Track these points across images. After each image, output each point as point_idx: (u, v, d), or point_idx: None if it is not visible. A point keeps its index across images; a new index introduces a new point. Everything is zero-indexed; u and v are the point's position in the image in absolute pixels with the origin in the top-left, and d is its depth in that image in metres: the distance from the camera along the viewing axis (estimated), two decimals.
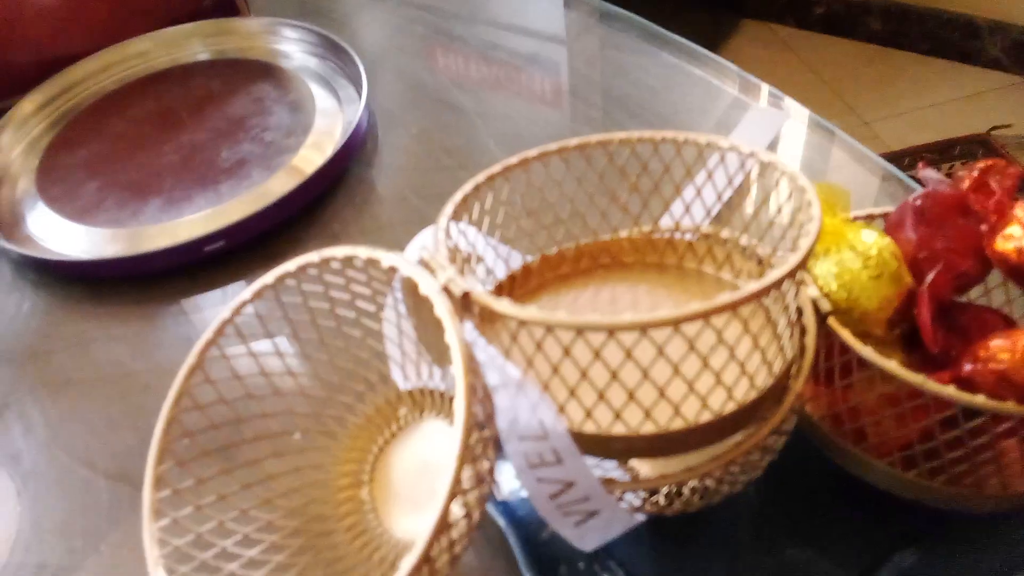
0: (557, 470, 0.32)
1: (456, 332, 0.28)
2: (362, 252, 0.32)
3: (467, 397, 0.27)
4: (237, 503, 0.35)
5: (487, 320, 0.33)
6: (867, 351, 0.34)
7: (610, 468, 0.40)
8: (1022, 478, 0.35)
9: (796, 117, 0.64)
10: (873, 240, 0.36)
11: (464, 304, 0.30)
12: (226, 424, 0.35)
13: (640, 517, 0.35)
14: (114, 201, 0.61)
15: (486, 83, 0.71)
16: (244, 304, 0.34)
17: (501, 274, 0.40)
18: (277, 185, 0.59)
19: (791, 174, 0.33)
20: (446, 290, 0.30)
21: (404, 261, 0.31)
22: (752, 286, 0.27)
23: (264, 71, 0.70)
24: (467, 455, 0.26)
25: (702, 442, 0.32)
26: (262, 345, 0.36)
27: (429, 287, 0.29)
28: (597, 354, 0.29)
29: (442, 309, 0.29)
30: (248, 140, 0.63)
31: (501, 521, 0.40)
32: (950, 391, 0.32)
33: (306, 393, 0.37)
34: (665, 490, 0.34)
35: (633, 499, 0.34)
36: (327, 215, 0.61)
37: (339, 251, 0.32)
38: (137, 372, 0.52)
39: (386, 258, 0.31)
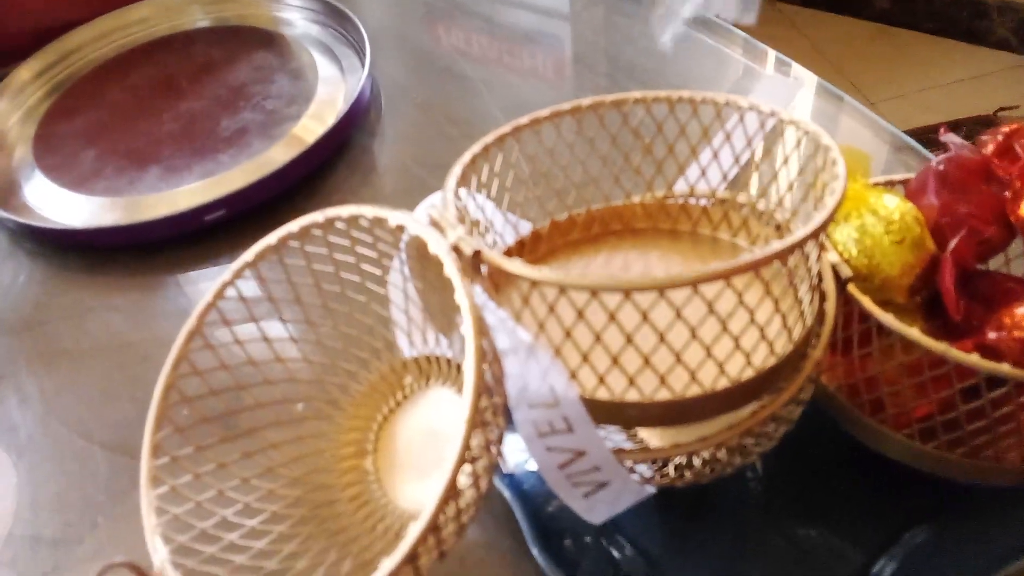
0: (567, 439, 0.31)
1: (466, 292, 0.27)
2: (368, 211, 0.31)
3: (477, 359, 0.26)
4: (238, 472, 0.34)
5: (498, 283, 0.32)
6: (888, 318, 0.33)
7: (620, 440, 0.39)
8: None
9: (807, 84, 0.62)
10: (895, 205, 0.35)
11: (474, 264, 0.29)
12: (226, 391, 0.34)
13: (650, 489, 0.34)
14: (112, 170, 0.59)
15: (491, 52, 0.70)
16: (246, 266, 0.33)
17: (510, 240, 0.39)
18: (278, 154, 0.58)
19: (814, 132, 0.32)
20: (456, 249, 0.29)
21: (412, 220, 0.30)
22: (775, 244, 0.26)
23: (265, 39, 0.68)
24: (476, 420, 0.25)
25: (718, 410, 0.31)
26: (264, 310, 0.35)
27: (439, 246, 0.28)
28: (612, 317, 0.28)
29: (452, 268, 0.28)
30: (249, 109, 0.62)
31: (507, 493, 0.39)
32: (974, 359, 0.31)
33: (309, 359, 0.36)
34: (676, 461, 0.33)
35: (643, 470, 0.33)
36: (329, 185, 0.59)
37: (344, 210, 0.31)
38: (135, 343, 0.51)
39: (393, 217, 0.30)
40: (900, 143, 0.58)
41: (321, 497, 0.34)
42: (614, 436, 0.39)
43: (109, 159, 0.60)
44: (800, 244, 0.27)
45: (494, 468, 0.30)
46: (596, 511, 0.34)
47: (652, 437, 0.39)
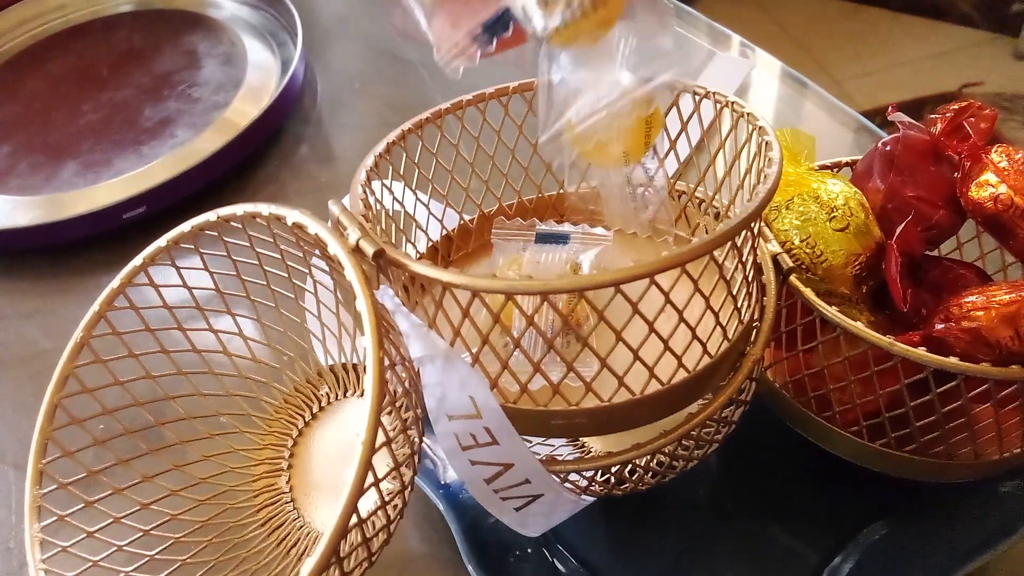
0: (492, 451, 0.28)
1: (367, 297, 0.24)
2: (264, 209, 0.28)
3: (378, 371, 0.23)
4: (137, 497, 0.31)
5: (413, 286, 0.30)
6: (831, 311, 0.31)
7: (558, 446, 0.37)
8: (995, 445, 0.32)
9: (767, 69, 0.60)
10: (839, 190, 0.33)
11: (379, 266, 0.27)
12: (122, 409, 0.31)
13: (587, 499, 0.32)
14: (27, 166, 0.56)
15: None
16: (135, 271, 0.30)
17: (435, 235, 0.36)
18: (205, 144, 0.54)
19: (750, 114, 0.30)
20: (357, 250, 0.26)
21: (310, 219, 0.27)
22: (695, 243, 0.23)
23: (192, 22, 0.64)
24: (373, 442, 0.22)
25: (651, 416, 0.29)
26: (159, 317, 0.32)
27: (338, 247, 0.26)
28: (531, 321, 0.26)
29: (351, 272, 0.25)
30: (174, 97, 0.58)
31: (442, 506, 0.36)
32: (920, 353, 0.29)
33: (217, 374, 0.33)
34: (614, 469, 0.31)
35: (579, 479, 0.31)
36: (261, 176, 0.56)
37: (239, 209, 0.28)
38: (50, 351, 0.48)
39: (291, 215, 0.27)
40: (859, 124, 0.56)
41: (232, 519, 0.32)
42: (553, 442, 0.37)
43: (24, 155, 0.56)
44: (728, 237, 0.24)
45: (411, 484, 0.28)
46: (531, 525, 0.32)
47: (592, 443, 0.37)
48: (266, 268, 0.31)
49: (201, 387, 0.32)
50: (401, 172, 0.34)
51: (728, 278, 0.27)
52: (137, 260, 0.30)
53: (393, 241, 0.34)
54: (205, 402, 0.32)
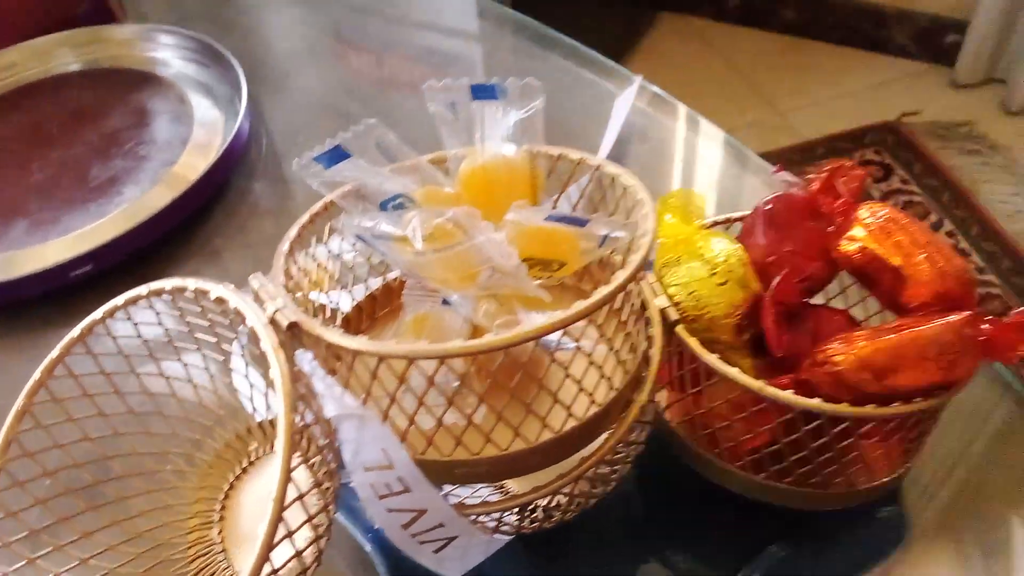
0: (406, 499, 0.31)
1: (280, 368, 0.27)
2: (191, 283, 0.31)
3: (287, 434, 0.26)
4: (74, 552, 0.33)
5: (329, 351, 0.33)
6: (711, 358, 0.34)
7: (479, 487, 0.39)
8: (865, 475, 0.36)
9: (681, 118, 0.64)
10: (721, 247, 0.37)
11: (294, 335, 0.30)
12: (64, 470, 0.33)
13: (501, 538, 0.35)
14: None
15: (378, 88, 0.70)
16: (72, 342, 0.32)
17: (374, 286, 0.39)
18: (152, 201, 0.56)
19: (631, 187, 0.33)
20: (273, 322, 0.29)
21: (232, 293, 0.30)
22: (573, 309, 0.27)
23: (140, 80, 0.67)
24: (283, 499, 0.25)
25: (546, 461, 0.32)
26: (98, 383, 0.34)
27: (255, 319, 0.28)
28: (431, 381, 0.29)
29: (266, 343, 0.28)
30: (121, 155, 0.61)
31: (369, 548, 0.39)
32: (786, 395, 0.33)
33: (153, 433, 0.35)
34: (516, 510, 0.34)
35: (488, 521, 0.34)
36: (207, 231, 0.58)
37: (168, 283, 0.31)
38: (3, 408, 0.49)
39: (215, 290, 0.30)
40: (762, 169, 0.60)
41: (165, 572, 0.34)
42: (478, 485, 0.39)
43: None
44: (602, 303, 0.28)
45: (327, 533, 0.30)
46: (448, 566, 0.35)
47: (515, 485, 0.40)
48: (196, 335, 0.33)
49: (138, 446, 0.35)
50: (325, 240, 0.36)
51: (610, 336, 0.30)
52: (74, 331, 0.32)
53: (328, 297, 0.37)
54: (142, 460, 0.35)
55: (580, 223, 0.30)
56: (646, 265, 0.34)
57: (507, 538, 0.35)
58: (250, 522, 0.34)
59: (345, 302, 0.38)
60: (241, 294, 0.30)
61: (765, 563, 0.39)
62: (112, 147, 0.61)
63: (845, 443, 0.34)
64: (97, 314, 0.32)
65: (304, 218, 0.36)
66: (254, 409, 0.35)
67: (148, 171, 0.59)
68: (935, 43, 1.85)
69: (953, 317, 0.33)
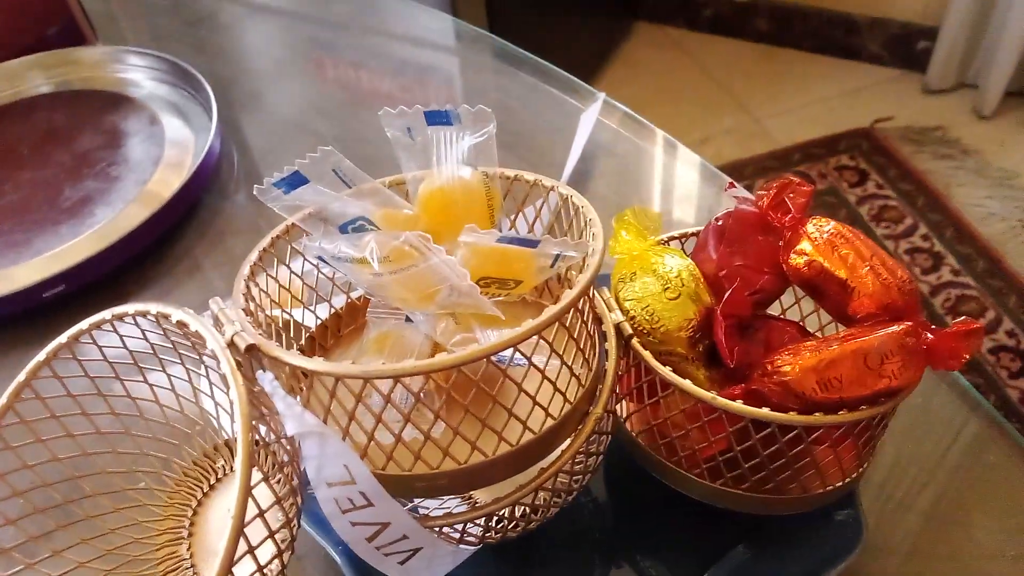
0: (369, 512, 0.32)
1: (238, 389, 0.28)
2: (153, 308, 0.31)
3: (246, 454, 0.27)
4: (45, 570, 0.34)
5: (289, 372, 0.33)
6: (664, 370, 0.35)
7: (446, 499, 0.40)
8: (818, 480, 0.37)
9: (647, 139, 0.66)
10: (673, 264, 0.38)
11: (253, 357, 0.30)
12: (34, 489, 0.34)
13: (466, 549, 0.36)
14: None
15: (349, 106, 0.71)
16: (39, 365, 0.33)
17: (338, 305, 0.40)
18: (124, 221, 0.57)
19: (584, 208, 0.34)
20: (232, 344, 0.30)
21: (192, 317, 0.30)
22: (508, 332, 0.28)
23: (111, 102, 0.67)
24: (242, 516, 0.26)
25: (505, 473, 0.33)
26: (66, 404, 0.35)
27: (214, 343, 0.29)
28: (388, 399, 0.30)
29: (224, 365, 0.29)
30: (93, 175, 0.61)
31: (340, 560, 0.40)
32: (737, 405, 0.34)
33: (120, 452, 0.36)
34: (480, 520, 0.34)
35: (452, 532, 0.35)
36: (180, 250, 0.59)
37: (131, 307, 0.32)
38: None
39: (175, 314, 0.31)
40: (722, 183, 0.62)
41: None
42: (447, 499, 0.40)
43: None
44: (551, 322, 0.29)
45: (289, 548, 0.31)
46: None
47: (482, 496, 0.41)
48: (160, 356, 0.34)
49: (107, 466, 0.35)
50: (287, 263, 0.37)
51: (562, 351, 0.31)
52: (41, 355, 0.33)
53: (292, 316, 0.38)
54: (112, 479, 0.35)
55: (532, 244, 0.32)
56: (602, 281, 0.35)
57: (473, 548, 0.36)
58: (217, 538, 0.34)
59: (309, 320, 0.38)
60: (201, 318, 0.30)
61: (729, 565, 0.40)
62: (84, 168, 0.62)
63: (796, 450, 0.35)
64: (63, 338, 0.33)
65: (265, 241, 0.37)
66: (220, 427, 0.36)
67: (120, 191, 0.60)
68: (906, 50, 1.88)
69: (895, 327, 0.35)
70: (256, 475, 0.27)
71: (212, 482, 0.36)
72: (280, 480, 0.30)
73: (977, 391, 0.47)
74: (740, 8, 2.01)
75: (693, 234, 0.43)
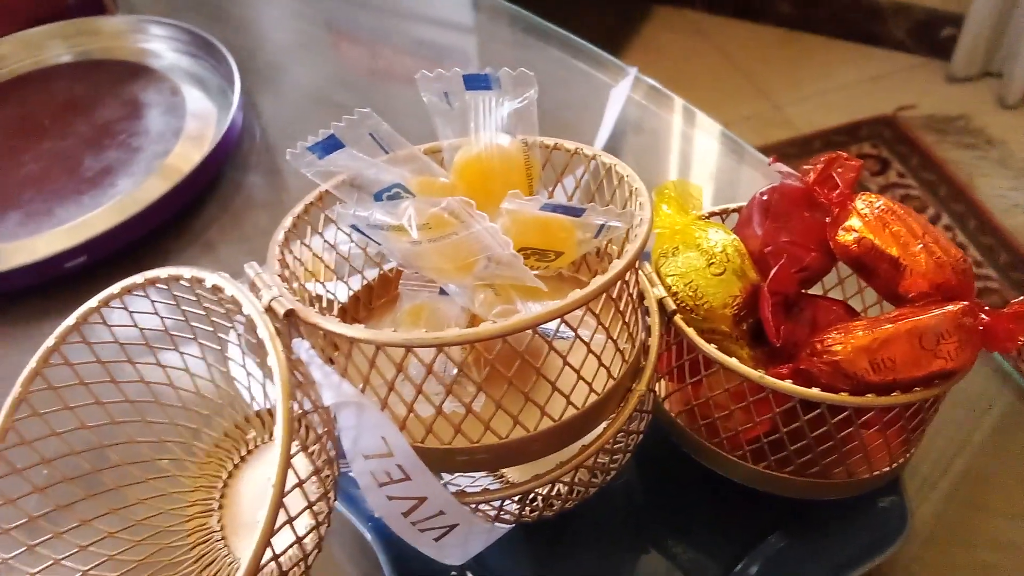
0: (406, 486, 0.31)
1: (277, 354, 0.27)
2: (186, 272, 0.30)
3: (286, 421, 0.26)
4: (74, 539, 0.33)
5: (326, 339, 0.32)
6: (709, 348, 0.34)
7: (478, 477, 0.39)
8: (865, 464, 0.36)
9: (684, 115, 0.64)
10: (718, 238, 0.36)
11: (292, 323, 0.29)
12: (59, 459, 0.33)
13: (501, 527, 0.35)
14: None
15: (370, 80, 0.70)
16: (69, 330, 0.32)
17: (371, 276, 0.39)
18: (145, 193, 0.56)
19: (628, 176, 0.33)
20: (270, 310, 0.29)
21: (227, 281, 0.29)
22: (556, 303, 0.26)
23: (132, 72, 0.66)
24: (283, 486, 0.25)
25: (546, 449, 0.32)
26: (94, 371, 0.34)
27: (251, 307, 0.28)
28: (430, 369, 0.29)
29: (263, 331, 0.28)
30: (114, 146, 0.60)
31: (370, 536, 0.39)
32: (785, 384, 0.33)
33: (150, 421, 0.35)
34: (517, 498, 0.34)
35: (489, 509, 0.34)
36: (201, 223, 0.58)
37: (163, 272, 0.31)
38: None
39: (209, 278, 0.30)
40: (760, 163, 0.60)
41: (165, 558, 0.34)
42: (476, 473, 0.39)
43: None
44: (602, 290, 0.28)
45: (326, 521, 0.30)
46: (449, 554, 0.35)
47: (514, 474, 0.40)
48: (192, 324, 0.33)
49: (135, 435, 0.34)
50: (320, 230, 0.36)
51: (607, 325, 0.30)
52: (70, 320, 0.32)
53: (324, 287, 0.37)
54: (140, 449, 0.35)
55: (576, 212, 0.30)
56: (643, 255, 0.34)
57: (508, 527, 0.35)
58: (249, 510, 0.34)
59: (341, 292, 0.37)
60: (237, 283, 0.29)
61: (766, 553, 0.39)
62: (104, 139, 0.61)
63: (844, 433, 0.34)
64: (93, 302, 0.32)
65: (299, 208, 0.35)
66: (252, 398, 0.35)
67: (141, 162, 0.59)
68: (931, 37, 1.85)
69: (951, 307, 0.33)
70: (294, 445, 0.26)
71: (243, 454, 0.35)
72: (316, 452, 0.29)
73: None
74: None
75: (734, 210, 0.42)
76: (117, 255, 0.54)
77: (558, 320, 0.28)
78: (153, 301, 0.32)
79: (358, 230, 0.31)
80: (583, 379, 0.30)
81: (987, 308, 0.34)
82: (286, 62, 0.73)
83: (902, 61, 1.90)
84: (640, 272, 0.36)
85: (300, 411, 0.27)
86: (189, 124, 0.61)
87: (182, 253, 0.56)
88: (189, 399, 0.35)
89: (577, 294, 0.27)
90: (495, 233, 0.29)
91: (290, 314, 0.29)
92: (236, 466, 0.35)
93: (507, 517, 0.35)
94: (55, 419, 0.33)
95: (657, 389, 0.39)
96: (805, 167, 0.40)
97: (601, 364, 0.31)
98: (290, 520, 0.26)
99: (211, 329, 0.33)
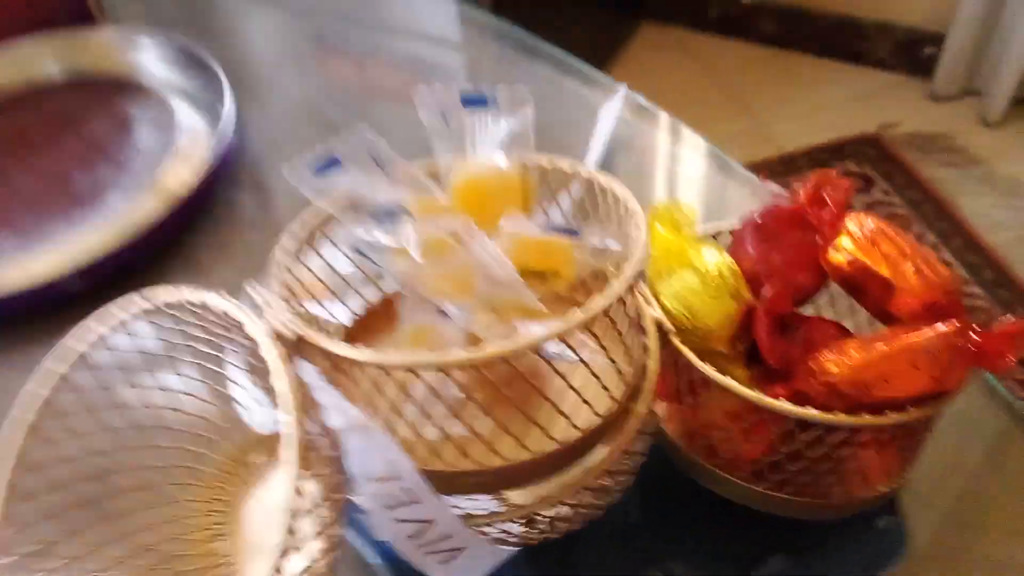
0: (414, 509, 0.31)
1: (284, 379, 0.27)
2: (187, 292, 0.30)
3: (294, 446, 0.26)
4: (86, 566, 0.32)
5: (331, 360, 0.32)
6: (707, 368, 0.35)
7: (481, 500, 0.39)
8: (864, 485, 0.37)
9: (672, 133, 0.65)
10: (712, 259, 0.37)
11: (298, 344, 0.29)
12: (68, 484, 0.33)
13: (507, 549, 0.35)
14: None
15: (360, 96, 0.70)
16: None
17: (369, 297, 0.39)
18: (138, 213, 0.56)
19: (623, 197, 0.34)
20: (277, 333, 0.29)
21: (232, 304, 0.30)
22: (557, 323, 0.27)
23: (124, 88, 0.66)
24: (290, 511, 0.25)
25: (550, 471, 0.32)
26: (99, 398, 0.34)
27: (256, 330, 0.28)
28: (434, 391, 0.29)
29: (269, 354, 0.28)
30: (106, 164, 0.60)
31: (379, 562, 0.39)
32: (782, 405, 0.33)
33: (156, 446, 0.35)
34: (522, 520, 0.34)
35: (493, 532, 0.34)
36: (195, 242, 0.58)
37: (171, 295, 0.31)
38: None
39: (210, 299, 0.30)
40: (749, 181, 0.61)
41: None
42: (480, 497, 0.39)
43: None
44: (600, 312, 0.28)
45: (336, 546, 0.30)
46: None
47: (518, 497, 0.40)
48: (190, 344, 0.33)
49: (141, 460, 0.34)
50: (316, 248, 0.36)
51: (607, 346, 0.30)
52: (80, 345, 0.32)
53: (323, 307, 0.37)
54: (146, 474, 0.34)
55: (574, 233, 0.31)
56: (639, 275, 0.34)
57: (513, 549, 0.35)
58: (257, 535, 0.33)
59: (340, 312, 0.37)
60: (243, 306, 0.30)
61: (766, 573, 0.39)
62: (97, 156, 0.61)
63: (842, 452, 0.34)
64: (103, 328, 0.32)
65: (295, 225, 0.36)
66: (253, 421, 0.35)
67: (133, 179, 0.59)
68: (913, 55, 1.88)
69: (942, 327, 0.34)
70: (302, 470, 0.26)
71: (247, 478, 0.35)
72: (323, 476, 0.29)
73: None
74: (746, 9, 2.00)
75: (730, 229, 0.42)
76: (111, 276, 0.54)
77: (559, 341, 0.28)
78: (152, 323, 0.32)
79: (360, 252, 0.32)
80: (585, 401, 0.30)
81: (977, 328, 0.35)
82: (274, 77, 0.73)
83: (884, 79, 1.92)
84: (637, 293, 0.37)
85: (307, 434, 0.27)
86: (180, 140, 0.61)
87: (176, 273, 0.56)
88: (191, 422, 0.35)
89: (578, 314, 0.27)
90: (495, 255, 0.30)
91: (298, 339, 0.29)
92: (240, 490, 0.35)
93: (513, 540, 0.35)
94: (63, 444, 0.33)
95: (657, 411, 0.39)
96: (795, 186, 0.41)
97: (602, 385, 0.31)
98: (299, 545, 0.26)
99: (210, 351, 0.33)
